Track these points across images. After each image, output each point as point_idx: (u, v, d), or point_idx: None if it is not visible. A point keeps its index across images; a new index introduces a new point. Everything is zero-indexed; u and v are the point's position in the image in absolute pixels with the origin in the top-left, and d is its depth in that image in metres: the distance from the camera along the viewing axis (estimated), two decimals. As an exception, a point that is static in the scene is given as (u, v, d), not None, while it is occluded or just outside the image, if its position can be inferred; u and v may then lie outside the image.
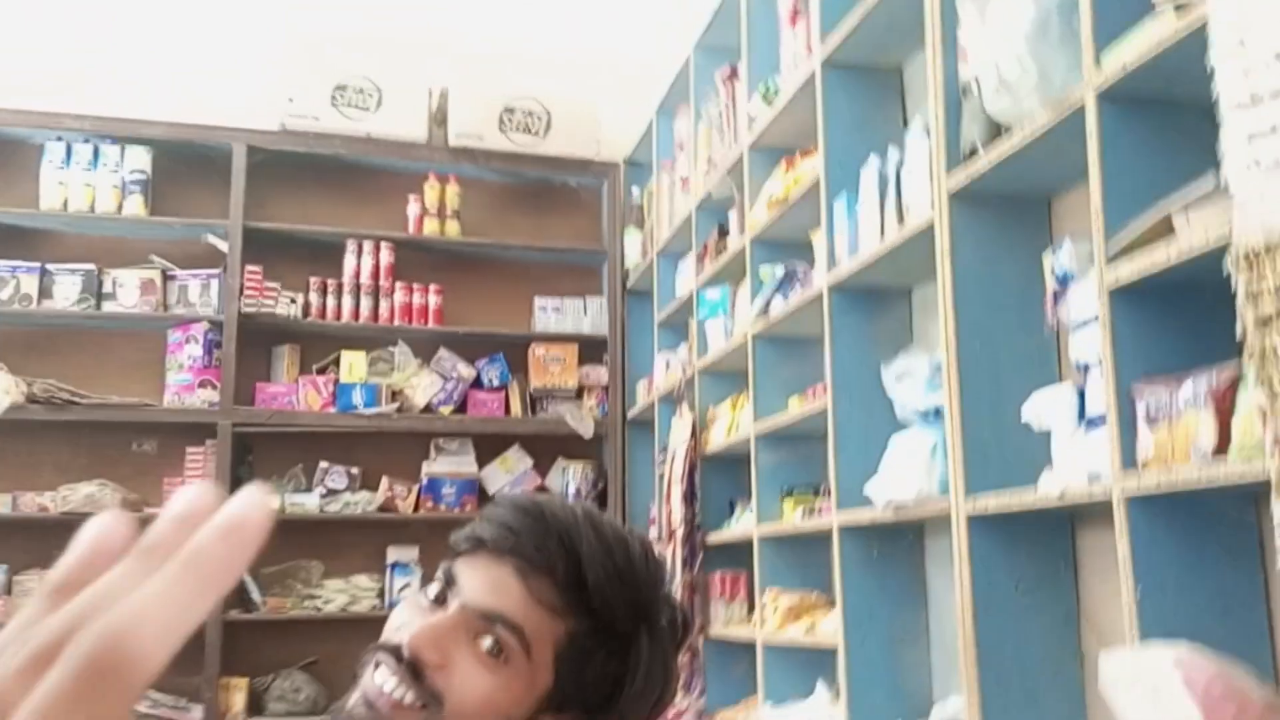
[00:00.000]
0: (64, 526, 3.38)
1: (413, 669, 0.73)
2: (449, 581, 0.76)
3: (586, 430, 3.94)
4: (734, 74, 3.09)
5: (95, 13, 3.68)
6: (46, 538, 3.40)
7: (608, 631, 0.76)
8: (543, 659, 0.75)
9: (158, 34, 3.70)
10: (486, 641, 0.73)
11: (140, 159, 3.53)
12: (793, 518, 2.66)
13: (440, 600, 0.76)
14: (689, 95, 3.44)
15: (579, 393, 4.02)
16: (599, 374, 4.04)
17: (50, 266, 3.46)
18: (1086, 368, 1.55)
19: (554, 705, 0.76)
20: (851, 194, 2.36)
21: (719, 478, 3.17)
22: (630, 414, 3.96)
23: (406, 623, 0.75)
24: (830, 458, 2.39)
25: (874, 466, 2.18)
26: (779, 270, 2.71)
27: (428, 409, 3.82)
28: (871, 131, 2.44)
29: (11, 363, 3.36)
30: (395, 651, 0.74)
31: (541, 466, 4.01)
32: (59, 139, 3.49)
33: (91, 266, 3.49)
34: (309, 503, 3.64)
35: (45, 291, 3.44)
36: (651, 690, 0.78)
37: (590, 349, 4.04)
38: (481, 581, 0.75)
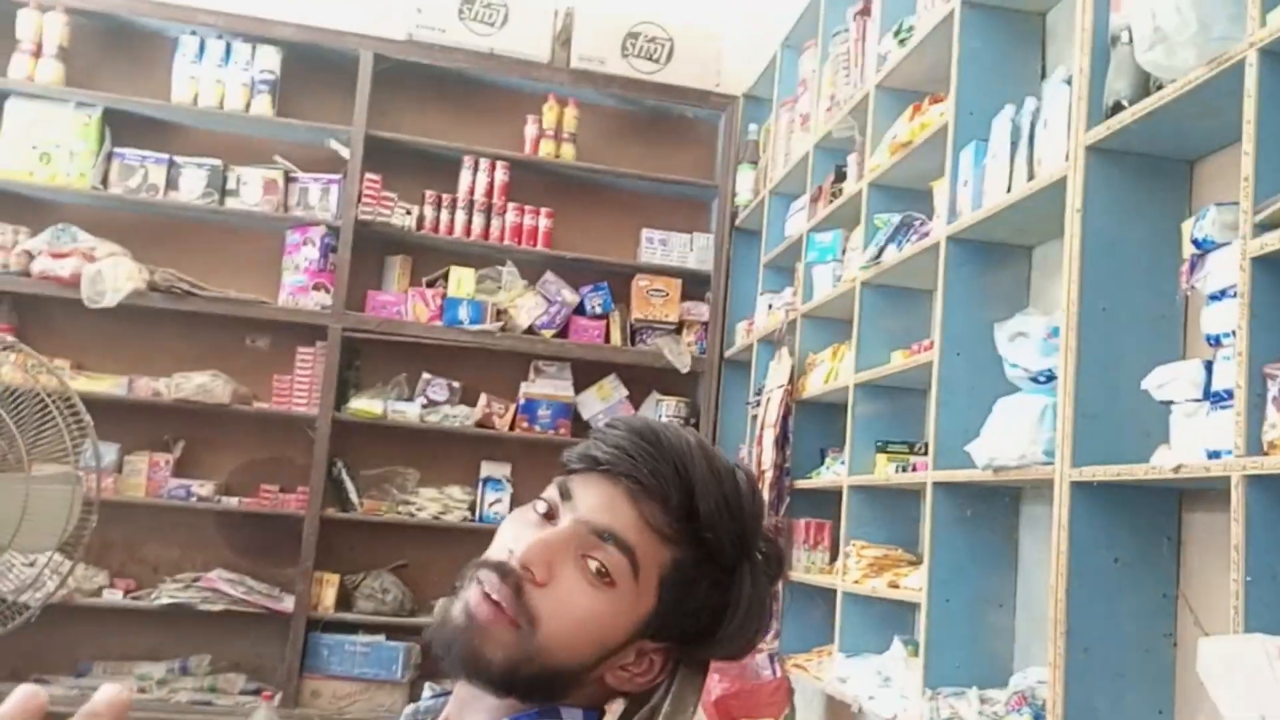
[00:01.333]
0: (175, 412, 3.54)
1: (516, 586, 0.73)
2: (564, 495, 0.76)
3: (684, 365, 3.93)
4: (866, 10, 2.99)
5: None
6: (158, 421, 3.56)
7: (713, 562, 0.76)
8: (648, 584, 0.74)
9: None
10: (594, 563, 0.73)
11: (270, 59, 3.58)
12: (885, 471, 2.62)
13: (549, 516, 0.76)
14: (817, 31, 3.35)
15: (679, 327, 4.01)
16: (700, 310, 4.02)
17: (178, 159, 3.56)
18: (1218, 341, 1.47)
19: (651, 632, 0.75)
20: (981, 143, 2.27)
21: (812, 425, 3.14)
22: (728, 353, 3.94)
23: (516, 538, 0.75)
24: (931, 414, 2.34)
25: (976, 426, 2.12)
26: (895, 218, 2.64)
27: (530, 330, 3.85)
28: (1007, 79, 2.34)
29: (136, 250, 3.47)
30: (499, 568, 0.73)
31: (636, 397, 4.02)
32: (193, 33, 3.56)
33: (217, 162, 3.57)
34: (410, 411, 3.72)
35: (172, 183, 3.54)
36: (749, 625, 0.77)
37: (694, 284, 4.02)
38: (596, 499, 0.75)
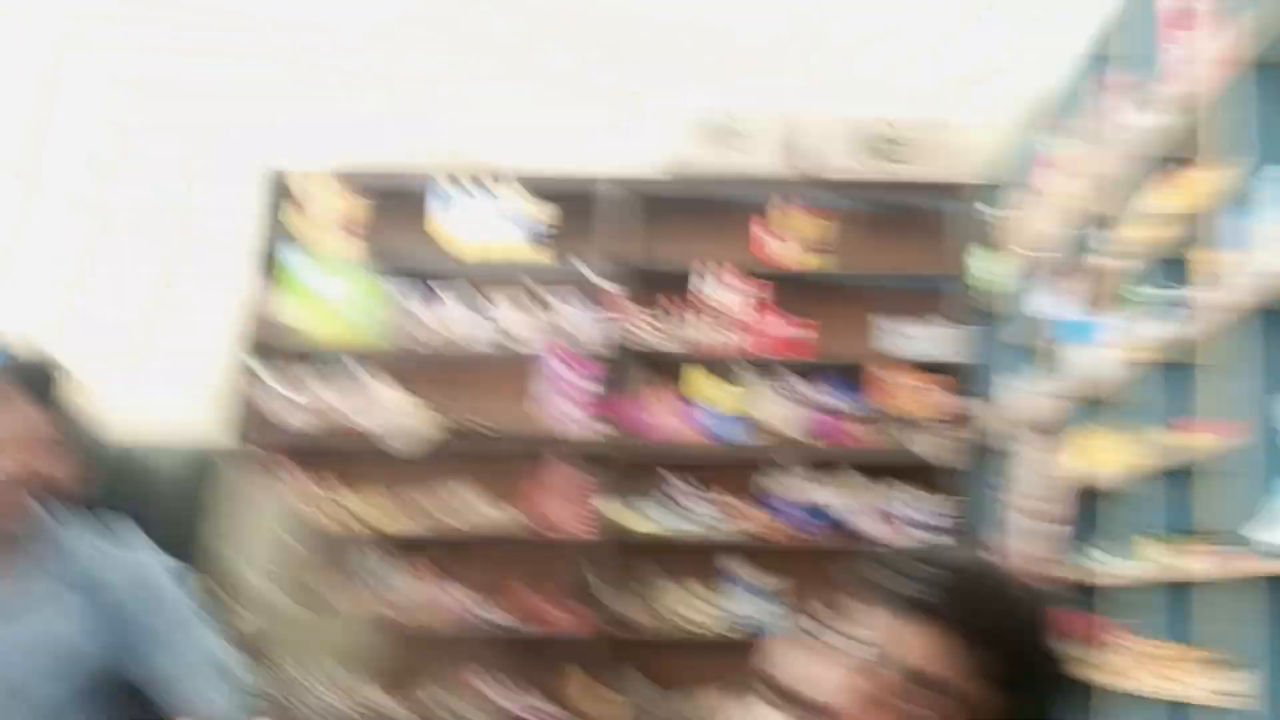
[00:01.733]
0: (469, 543, 3.78)
1: None
2: (856, 621, 0.77)
3: (936, 458, 3.85)
4: (1110, 83, 2.92)
5: (492, 68, 4.07)
6: (455, 552, 3.82)
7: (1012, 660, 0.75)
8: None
9: (539, 91, 4.04)
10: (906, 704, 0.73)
11: (535, 206, 3.94)
12: (1165, 560, 2.45)
13: (839, 638, 0.77)
14: (1054, 108, 3.30)
15: (928, 419, 3.94)
16: (949, 400, 3.95)
17: (450, 302, 3.91)
18: None
19: None
20: (1250, 209, 2.16)
21: (1079, 512, 2.99)
22: (981, 442, 3.83)
23: (815, 674, 0.77)
24: (1213, 498, 2.19)
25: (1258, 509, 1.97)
26: (1157, 292, 2.53)
27: (779, 433, 3.90)
28: (1274, 139, 2.21)
29: (427, 394, 3.83)
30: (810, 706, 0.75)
31: (884, 491, 3.97)
32: (464, 190, 3.95)
33: (486, 301, 3.93)
34: (668, 522, 3.84)
35: (454, 329, 3.90)
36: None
37: (940, 375, 3.95)
38: (889, 634, 0.75)
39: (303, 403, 3.76)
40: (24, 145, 3.62)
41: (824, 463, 3.92)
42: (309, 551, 2.99)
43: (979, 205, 4.00)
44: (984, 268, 3.93)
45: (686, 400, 3.94)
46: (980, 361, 3.92)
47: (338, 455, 3.83)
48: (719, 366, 3.98)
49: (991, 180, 3.99)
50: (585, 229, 3.95)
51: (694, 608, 3.84)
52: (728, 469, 3.93)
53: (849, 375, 3.97)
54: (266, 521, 3.08)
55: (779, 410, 3.92)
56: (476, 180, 3.93)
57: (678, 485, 3.92)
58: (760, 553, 3.88)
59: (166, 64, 4.01)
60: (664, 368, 4.01)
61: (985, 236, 3.95)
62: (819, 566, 3.62)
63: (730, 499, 3.90)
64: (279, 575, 2.67)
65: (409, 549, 3.65)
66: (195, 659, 1.32)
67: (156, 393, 3.64)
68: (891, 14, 4.05)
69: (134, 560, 1.36)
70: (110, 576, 1.33)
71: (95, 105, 4.02)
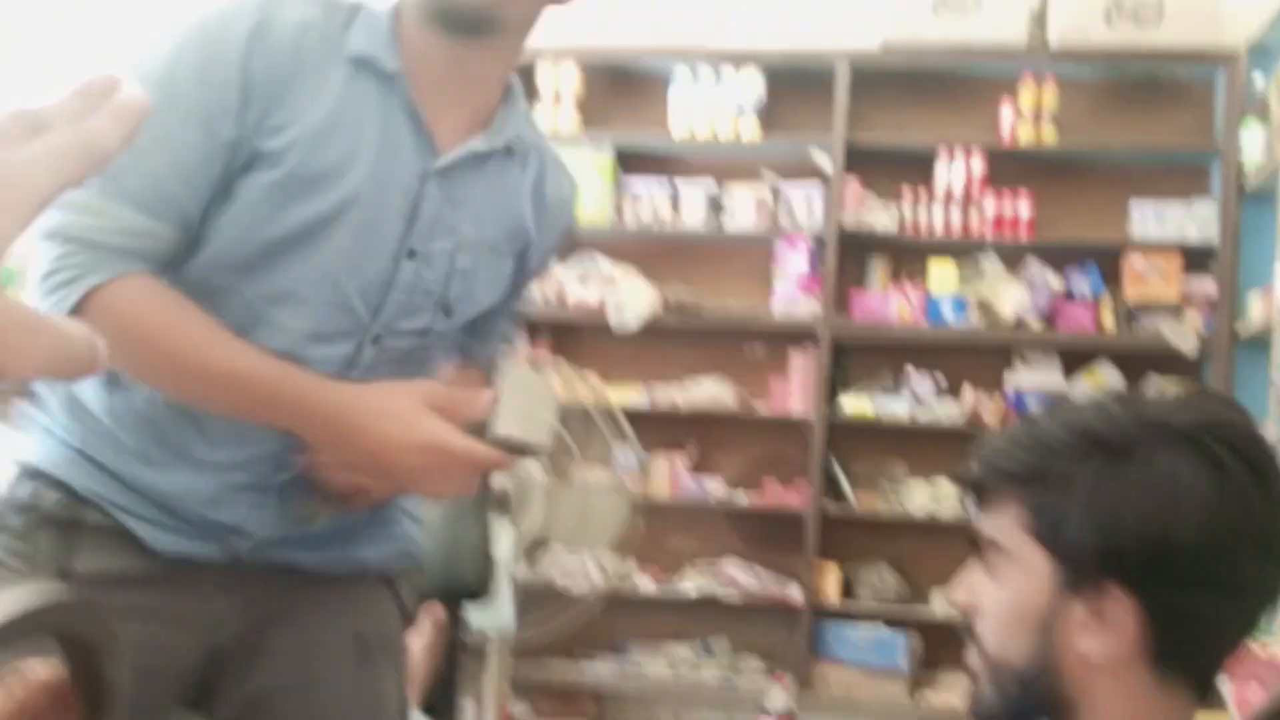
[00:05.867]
0: (690, 418, 3.87)
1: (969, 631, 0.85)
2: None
3: (1189, 347, 3.67)
4: None
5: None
6: (674, 427, 3.91)
7: (1052, 480, 0.78)
8: (1022, 546, 0.80)
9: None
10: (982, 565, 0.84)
11: (755, 83, 3.79)
12: None
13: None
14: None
15: (1180, 306, 3.74)
16: (1205, 286, 3.72)
17: (679, 185, 3.88)
18: None
19: (1071, 581, 0.78)
20: None
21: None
22: (1241, 331, 3.61)
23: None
24: None
25: None
26: None
27: (1015, 321, 3.77)
28: None
29: (647, 271, 3.84)
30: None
31: (1133, 384, 3.81)
32: (686, 68, 3.85)
33: (712, 184, 3.85)
34: (898, 409, 3.80)
35: (674, 208, 3.87)
36: (1166, 493, 0.75)
37: (1195, 258, 3.73)
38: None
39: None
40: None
41: (1069, 352, 3.78)
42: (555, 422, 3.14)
43: (1251, 73, 3.67)
44: (1250, 141, 3.64)
45: (921, 286, 3.84)
46: (1247, 245, 3.67)
47: (566, 331, 3.93)
48: (956, 251, 3.85)
49: (1264, 46, 3.65)
50: (815, 109, 3.82)
51: (923, 491, 3.84)
52: (963, 357, 3.84)
53: (1098, 260, 3.78)
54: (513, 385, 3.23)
55: (1020, 297, 3.78)
56: (704, 59, 3.85)
57: (910, 372, 3.87)
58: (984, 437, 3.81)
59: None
60: (897, 253, 3.90)
61: (1257, 107, 3.65)
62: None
63: (962, 385, 3.83)
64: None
65: (638, 426, 3.74)
66: None
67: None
68: None
69: None
70: None
71: None
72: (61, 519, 1.10)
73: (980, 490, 0.85)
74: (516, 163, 1.18)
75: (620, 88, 4.02)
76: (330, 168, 1.08)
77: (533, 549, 2.85)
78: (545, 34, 4.14)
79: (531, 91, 3.91)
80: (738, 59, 3.83)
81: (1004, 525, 0.81)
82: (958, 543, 3.77)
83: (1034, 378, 3.82)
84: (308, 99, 1.07)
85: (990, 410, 3.79)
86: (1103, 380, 3.84)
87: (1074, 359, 3.78)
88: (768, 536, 3.86)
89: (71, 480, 1.11)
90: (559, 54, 3.86)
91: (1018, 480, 0.80)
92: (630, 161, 3.95)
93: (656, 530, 3.91)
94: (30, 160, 0.34)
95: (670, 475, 3.82)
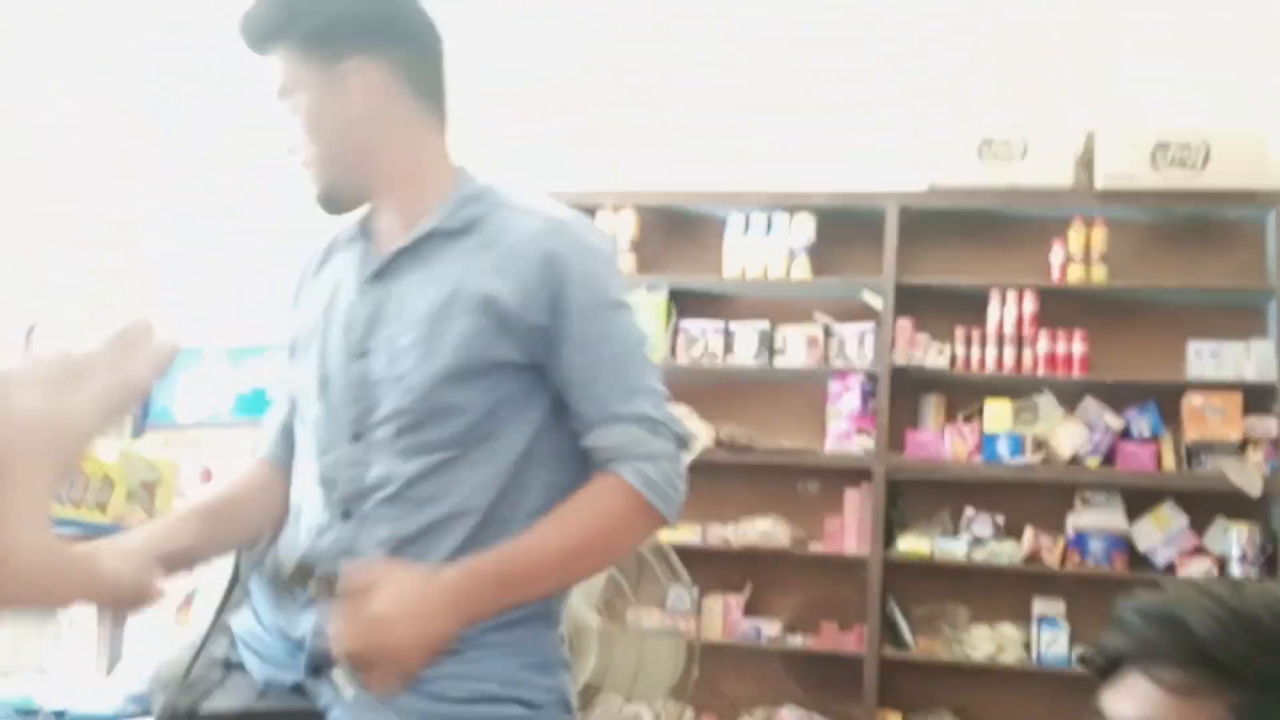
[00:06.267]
0: (743, 557, 3.84)
1: None
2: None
3: (1253, 488, 3.60)
4: None
5: (758, 98, 4.10)
6: (729, 565, 3.87)
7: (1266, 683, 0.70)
8: None
9: (815, 114, 4.03)
10: None
11: (805, 226, 3.88)
12: None
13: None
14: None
15: (1242, 445, 3.68)
16: (1266, 425, 3.67)
17: (732, 325, 3.94)
18: None
19: None
20: None
21: None
22: (1308, 472, 3.55)
23: None
24: None
25: None
26: None
27: (1073, 460, 3.74)
28: None
29: (701, 410, 3.86)
30: None
31: (1198, 525, 3.73)
32: (739, 212, 3.95)
33: (765, 324, 3.92)
34: (955, 549, 3.74)
35: (728, 348, 3.92)
36: None
37: (1256, 397, 3.68)
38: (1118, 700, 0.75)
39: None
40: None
41: (1131, 493, 3.73)
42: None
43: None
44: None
45: (976, 425, 3.83)
46: (1306, 385, 3.63)
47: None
48: (1010, 390, 3.84)
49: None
50: (865, 250, 3.89)
51: (983, 636, 3.74)
52: (1022, 496, 3.79)
53: (1153, 398, 3.76)
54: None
55: (1078, 436, 3.75)
56: (756, 203, 3.95)
57: (964, 510, 3.83)
58: (1053, 582, 3.73)
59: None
60: (951, 391, 3.91)
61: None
62: (1117, 601, 3.46)
63: (1021, 525, 3.77)
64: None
65: (690, 565, 3.71)
66: None
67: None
68: (1186, 16, 3.83)
69: None
70: None
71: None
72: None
73: (1116, 666, 0.77)
74: (468, 237, 1.31)
75: (675, 231, 4.13)
76: (301, 334, 1.39)
77: (587, 697, 2.80)
78: (605, 181, 4.27)
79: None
80: (789, 202, 3.93)
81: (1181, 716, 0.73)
82: (1021, 689, 3.69)
83: (1096, 518, 3.76)
84: (309, 291, 1.43)
85: (1051, 551, 3.72)
86: (1168, 522, 3.76)
87: (1136, 499, 3.72)
88: (825, 681, 3.77)
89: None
90: (618, 202, 3.98)
91: (1226, 673, 0.71)
92: (685, 302, 4.03)
93: (711, 673, 3.83)
94: (81, 409, 0.39)
95: (724, 616, 3.77)
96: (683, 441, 1.33)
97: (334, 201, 1.36)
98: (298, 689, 1.28)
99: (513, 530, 1.25)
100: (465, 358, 1.25)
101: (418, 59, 1.36)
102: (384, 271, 1.32)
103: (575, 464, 1.30)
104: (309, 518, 1.32)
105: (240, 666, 1.34)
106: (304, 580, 1.25)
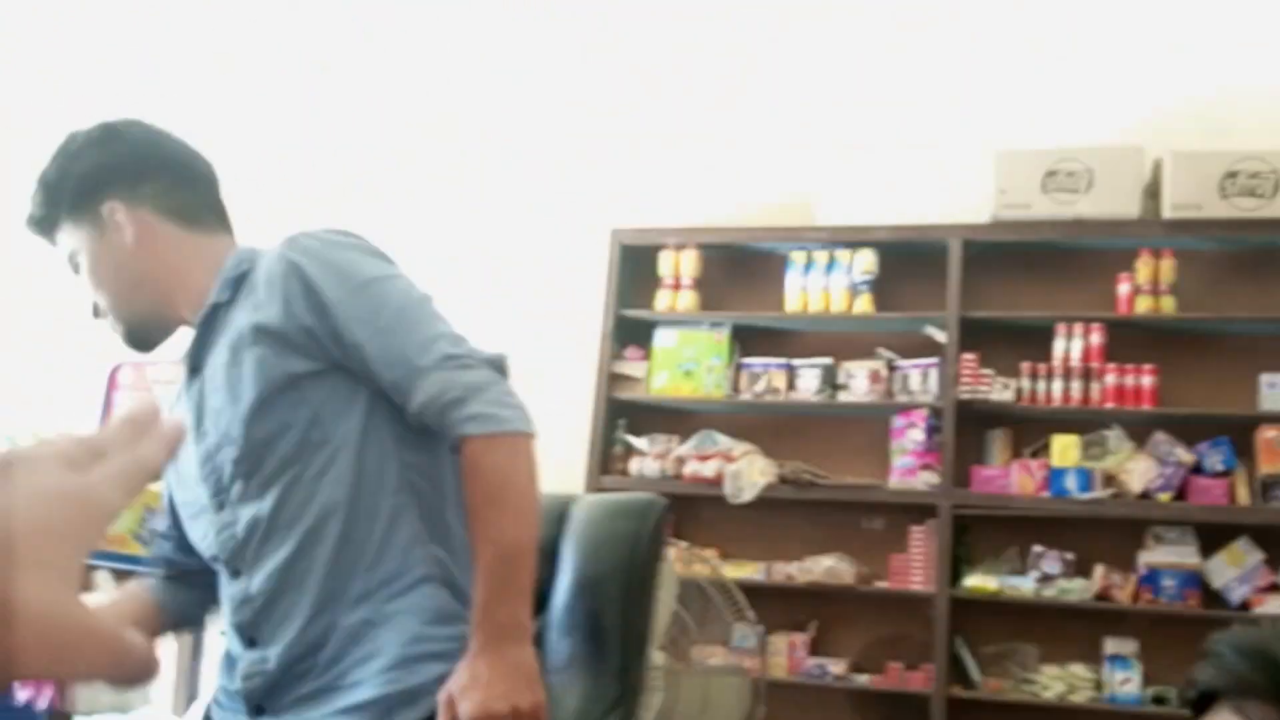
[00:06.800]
0: (808, 595, 3.82)
1: None
2: None
3: (1332, 524, 3.51)
4: None
5: (820, 133, 4.12)
6: (793, 603, 3.85)
7: None
8: None
9: (877, 148, 4.03)
10: None
11: (868, 261, 3.88)
12: None
13: None
14: None
15: (1320, 481, 3.60)
16: (1346, 460, 3.58)
17: (794, 362, 3.94)
18: None
19: None
20: None
21: None
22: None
23: None
24: None
25: None
26: None
27: (1143, 495, 3.67)
28: None
29: (764, 447, 3.86)
30: None
31: (1274, 561, 3.64)
32: (801, 249, 3.96)
33: (828, 360, 3.91)
34: (1023, 586, 3.68)
35: (790, 384, 3.92)
36: None
37: (1335, 432, 3.60)
38: None
39: (650, 453, 3.91)
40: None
41: (1204, 528, 3.65)
42: (676, 601, 3.11)
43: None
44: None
45: (1043, 460, 3.78)
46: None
47: (683, 505, 3.93)
48: (1078, 424, 3.79)
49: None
50: (928, 284, 3.87)
51: (1053, 675, 3.68)
52: (1091, 532, 3.73)
53: (1225, 432, 3.68)
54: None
55: (1149, 471, 3.69)
56: (818, 239, 3.96)
57: (1032, 547, 3.77)
58: (1124, 621, 3.66)
59: (516, 127, 4.32)
60: (1017, 425, 3.86)
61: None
62: (1191, 639, 3.39)
63: (1091, 562, 3.71)
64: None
65: (755, 602, 3.69)
66: None
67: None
68: (1252, 39, 3.79)
69: None
70: None
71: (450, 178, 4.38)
72: None
73: (1208, 700, 0.76)
74: (239, 296, 1.43)
75: (737, 268, 4.15)
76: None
77: (653, 737, 2.80)
78: (667, 218, 4.28)
79: (653, 274, 4.06)
80: (851, 237, 3.93)
81: None
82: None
83: (1168, 554, 3.69)
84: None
85: (1123, 589, 3.66)
86: (1243, 558, 3.68)
87: (1209, 535, 3.65)
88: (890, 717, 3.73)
89: None
90: (680, 240, 4.01)
91: None
92: (747, 339, 4.04)
93: (776, 713, 3.81)
94: (103, 483, 0.41)
95: (789, 655, 3.75)
96: (494, 363, 1.38)
97: (139, 336, 1.50)
98: None
99: (383, 511, 1.35)
100: (263, 386, 1.35)
101: (169, 187, 1.48)
102: (195, 361, 1.45)
103: (416, 436, 1.38)
104: (225, 595, 1.45)
105: None
106: None
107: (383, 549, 1.35)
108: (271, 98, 4.44)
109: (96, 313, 1.49)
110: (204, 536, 1.45)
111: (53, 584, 0.37)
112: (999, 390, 3.79)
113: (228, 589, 1.42)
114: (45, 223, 1.49)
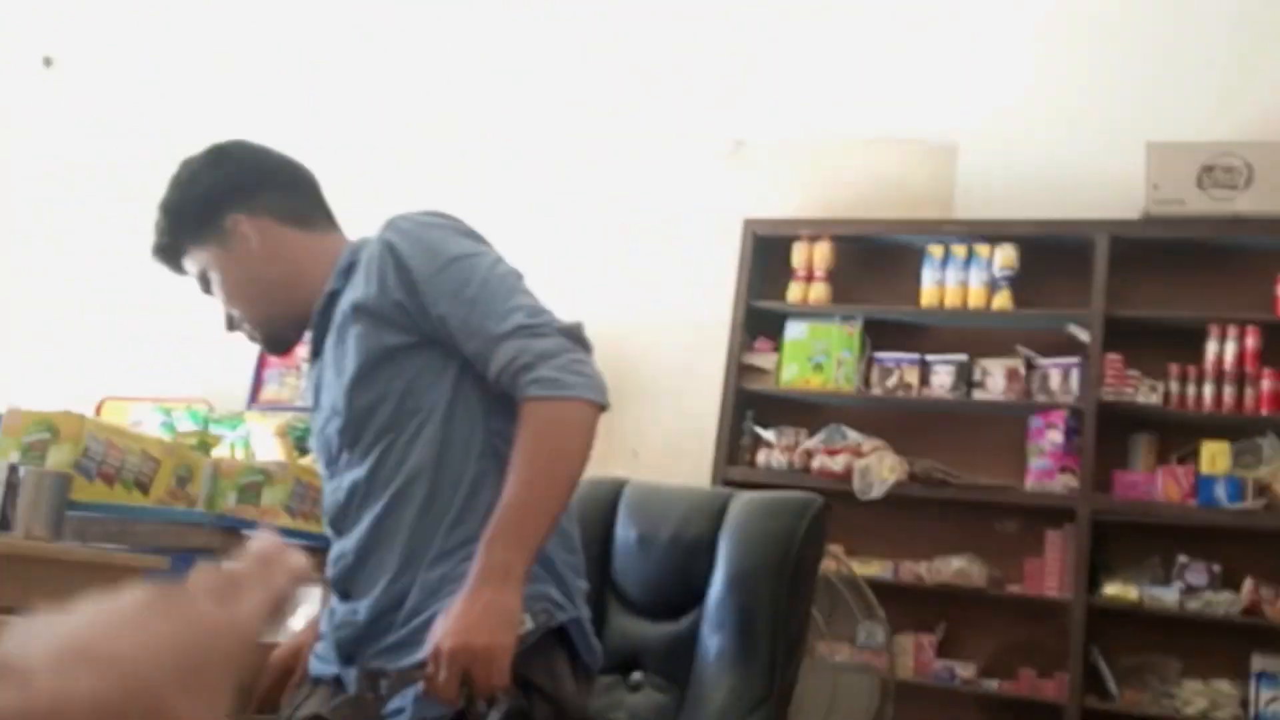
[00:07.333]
0: (937, 595, 3.74)
1: None
2: None
3: None
4: None
5: (960, 124, 4.01)
6: (921, 603, 3.78)
7: None
8: None
9: (1020, 140, 3.92)
10: None
11: (1008, 256, 3.76)
12: None
13: None
14: None
15: None
16: None
17: (928, 357, 3.85)
18: None
19: None
20: None
21: None
22: None
23: None
24: None
25: None
26: None
27: (1301, 506, 3.49)
28: None
29: (895, 443, 3.79)
30: None
31: None
32: (939, 242, 3.86)
33: (963, 357, 3.81)
34: (1166, 597, 3.54)
35: (923, 380, 3.84)
36: None
37: None
38: None
39: (778, 446, 3.87)
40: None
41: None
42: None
43: None
44: None
45: (1190, 466, 3.62)
46: None
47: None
48: (1229, 430, 3.62)
49: None
50: (1072, 281, 3.74)
51: (1195, 690, 3.53)
52: (1241, 543, 3.56)
53: (1394, 444, 3.48)
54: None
55: (1306, 482, 3.51)
56: (956, 232, 3.86)
57: (1176, 556, 3.62)
58: (1274, 637, 3.48)
59: (637, 120, 4.32)
60: (1163, 430, 3.71)
61: None
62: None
63: (1240, 575, 3.54)
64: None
65: (881, 601, 3.63)
66: None
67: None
68: None
69: None
70: None
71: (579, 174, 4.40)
72: None
73: None
74: (349, 281, 1.53)
75: (872, 261, 4.07)
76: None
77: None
78: (802, 210, 4.22)
79: (786, 266, 4.01)
80: (991, 231, 3.82)
81: None
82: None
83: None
84: None
85: (1273, 604, 3.48)
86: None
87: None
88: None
89: None
90: (815, 231, 3.96)
91: None
92: (880, 333, 3.96)
93: (901, 714, 3.75)
94: (248, 616, 0.44)
95: (915, 655, 3.68)
96: (569, 332, 1.43)
97: (276, 338, 1.62)
98: (338, 680, 1.46)
99: (467, 475, 1.43)
100: (363, 359, 1.45)
101: (281, 195, 1.59)
102: (316, 347, 1.58)
103: (503, 405, 1.44)
104: (330, 554, 1.55)
105: (319, 680, 1.52)
106: (374, 684, 1.35)
107: (464, 511, 1.42)
108: (271, 98, 4.50)
109: (231, 325, 1.61)
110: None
111: (208, 709, 0.40)
112: (1145, 392, 3.64)
113: (333, 547, 1.53)
114: (171, 249, 1.59)
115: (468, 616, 1.28)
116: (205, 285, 1.58)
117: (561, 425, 1.37)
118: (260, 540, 0.49)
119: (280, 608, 0.47)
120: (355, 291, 1.49)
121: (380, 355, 1.45)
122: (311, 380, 1.60)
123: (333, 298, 1.54)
